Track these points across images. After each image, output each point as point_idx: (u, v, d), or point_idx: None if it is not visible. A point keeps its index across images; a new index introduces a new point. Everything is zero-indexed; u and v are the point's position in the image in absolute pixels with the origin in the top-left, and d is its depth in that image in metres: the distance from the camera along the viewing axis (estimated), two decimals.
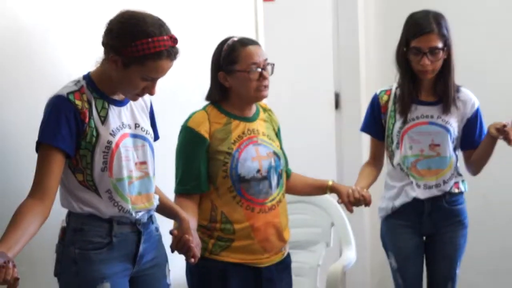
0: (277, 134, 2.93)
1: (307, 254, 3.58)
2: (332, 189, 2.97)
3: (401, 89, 3.15)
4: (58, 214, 2.35)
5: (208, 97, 2.82)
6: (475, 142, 3.17)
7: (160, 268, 2.54)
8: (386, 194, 3.24)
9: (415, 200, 3.14)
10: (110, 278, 2.35)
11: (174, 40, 2.32)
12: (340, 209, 3.56)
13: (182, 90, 3.27)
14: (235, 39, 2.76)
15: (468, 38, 4.21)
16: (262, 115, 2.87)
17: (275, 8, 4.24)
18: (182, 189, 2.75)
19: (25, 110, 2.50)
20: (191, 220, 2.59)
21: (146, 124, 2.49)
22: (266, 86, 2.74)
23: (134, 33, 2.28)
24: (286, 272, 2.91)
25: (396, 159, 3.16)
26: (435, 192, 3.13)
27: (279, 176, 2.81)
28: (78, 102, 2.31)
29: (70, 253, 2.34)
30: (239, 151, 2.73)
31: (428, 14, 3.06)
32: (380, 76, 4.56)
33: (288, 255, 2.92)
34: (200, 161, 2.72)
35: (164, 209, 2.58)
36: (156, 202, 2.50)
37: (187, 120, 2.77)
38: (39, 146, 2.28)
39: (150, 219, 2.50)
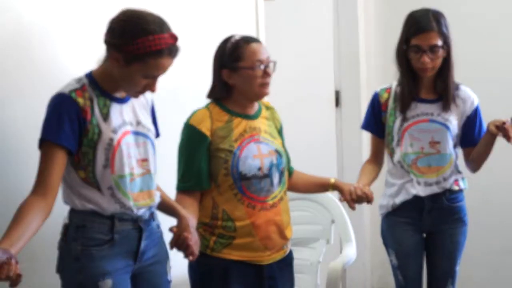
0: (280, 132, 2.93)
1: (307, 251, 3.58)
2: (334, 187, 2.97)
3: (401, 87, 3.16)
4: (60, 211, 2.36)
5: (210, 95, 2.83)
6: (475, 139, 3.17)
7: (161, 265, 2.56)
8: (386, 191, 3.25)
9: (416, 197, 3.14)
10: (112, 274, 2.36)
11: (175, 38, 2.34)
12: (341, 206, 3.57)
13: (183, 88, 3.28)
14: (238, 37, 2.77)
15: (467, 36, 4.21)
16: (264, 113, 2.88)
17: (275, 6, 4.25)
18: (183, 186, 2.76)
19: (25, 109, 2.51)
20: (191, 218, 2.60)
21: (147, 121, 2.51)
22: (268, 84, 2.76)
23: (135, 31, 2.29)
24: (288, 270, 2.91)
25: (397, 157, 3.17)
26: (435, 189, 3.14)
27: (281, 174, 2.82)
28: (80, 100, 2.32)
29: (72, 250, 2.35)
30: (241, 148, 2.74)
31: (428, 12, 3.07)
32: (380, 74, 4.57)
33: (290, 253, 2.92)
34: (201, 158, 2.73)
35: (164, 206, 2.59)
36: (157, 199, 2.52)
37: (189, 118, 2.78)
38: (42, 143, 2.29)
39: (152, 216, 2.51)
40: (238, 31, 2.85)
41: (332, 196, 3.57)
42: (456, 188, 3.17)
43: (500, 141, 3.08)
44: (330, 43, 4.72)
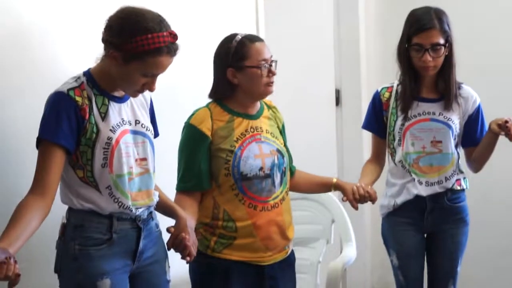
0: (281, 132, 2.92)
1: (307, 250, 3.57)
2: (336, 187, 2.96)
3: (403, 86, 3.14)
4: (58, 210, 2.35)
5: (211, 95, 2.81)
6: (476, 139, 3.16)
7: (160, 265, 2.54)
8: (387, 191, 3.23)
9: (417, 197, 3.13)
10: (110, 274, 2.35)
11: (174, 36, 2.32)
12: (341, 206, 3.56)
13: (182, 87, 3.27)
14: (242, 35, 2.75)
15: (469, 34, 4.20)
16: (266, 112, 2.86)
17: (275, 5, 4.24)
18: (183, 187, 2.75)
19: (25, 109, 2.51)
20: (189, 219, 2.59)
21: (146, 120, 2.49)
22: (273, 82, 2.75)
23: (134, 29, 2.28)
24: (290, 270, 2.90)
25: (398, 156, 3.16)
26: (437, 189, 3.13)
27: (283, 174, 2.80)
28: (78, 99, 2.31)
29: (71, 249, 2.34)
30: (242, 148, 2.72)
31: (429, 10, 3.06)
32: (380, 73, 4.56)
33: (292, 253, 2.91)
34: (202, 158, 2.72)
35: (162, 207, 2.58)
36: (156, 198, 2.51)
37: (189, 118, 2.76)
38: (40, 143, 2.28)
39: (150, 215, 2.50)
40: (238, 29, 2.84)
41: (333, 196, 3.56)
42: (458, 187, 3.16)
43: (500, 140, 3.07)
44: (330, 41, 4.71)
